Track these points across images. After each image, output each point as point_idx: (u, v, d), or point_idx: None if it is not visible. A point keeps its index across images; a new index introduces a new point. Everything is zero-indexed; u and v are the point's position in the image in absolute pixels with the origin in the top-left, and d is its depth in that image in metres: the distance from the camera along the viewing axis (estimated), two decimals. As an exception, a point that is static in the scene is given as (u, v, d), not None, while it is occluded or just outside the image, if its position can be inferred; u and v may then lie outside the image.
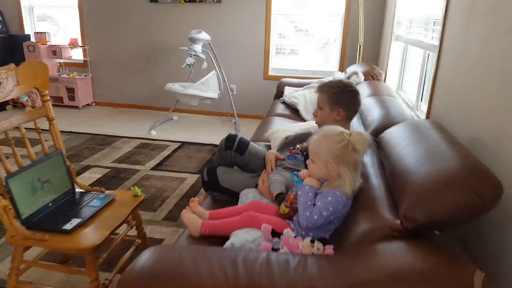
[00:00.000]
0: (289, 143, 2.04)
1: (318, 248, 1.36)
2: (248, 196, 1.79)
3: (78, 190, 1.98)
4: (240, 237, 1.45)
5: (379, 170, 1.58)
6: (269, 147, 2.55)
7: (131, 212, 1.85)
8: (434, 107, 2.20)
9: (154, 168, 3.43)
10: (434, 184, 1.15)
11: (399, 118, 1.98)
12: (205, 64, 4.37)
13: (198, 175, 3.32)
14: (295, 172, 1.57)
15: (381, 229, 1.22)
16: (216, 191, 1.93)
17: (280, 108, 3.73)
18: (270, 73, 4.91)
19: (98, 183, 3.09)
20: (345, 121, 1.85)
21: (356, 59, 4.38)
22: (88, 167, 3.40)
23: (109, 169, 3.37)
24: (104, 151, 3.79)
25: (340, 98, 1.81)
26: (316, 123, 1.94)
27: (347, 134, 1.44)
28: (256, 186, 1.91)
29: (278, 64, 4.97)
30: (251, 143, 2.06)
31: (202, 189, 2.32)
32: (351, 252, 1.26)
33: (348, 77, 3.37)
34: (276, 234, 1.44)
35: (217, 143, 4.32)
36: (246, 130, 4.60)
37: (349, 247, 1.32)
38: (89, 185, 2.00)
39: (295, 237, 1.42)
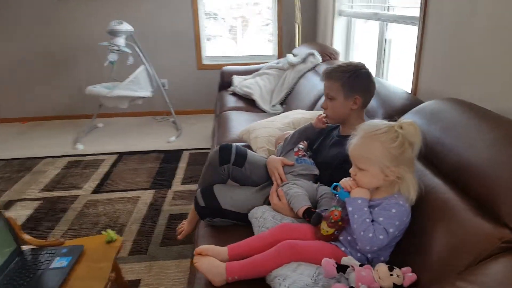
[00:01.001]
0: (290, 143, 1.71)
1: (398, 276, 1.07)
2: (264, 217, 1.43)
3: (26, 247, 1.44)
4: (291, 279, 1.10)
5: (424, 166, 1.33)
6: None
7: (113, 267, 1.38)
8: (422, 83, 2.03)
9: (96, 191, 2.85)
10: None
11: (408, 99, 1.76)
12: (130, 60, 3.78)
13: (153, 191, 2.83)
14: (336, 183, 1.26)
15: (483, 242, 0.97)
16: (218, 216, 1.53)
17: (232, 101, 3.36)
18: (205, 62, 4.46)
19: (32, 222, 2.45)
20: (361, 109, 1.58)
21: (295, 40, 4.15)
22: (10, 204, 2.69)
23: (40, 201, 2.71)
24: (25, 178, 3.07)
25: (355, 83, 1.52)
26: (326, 117, 1.63)
27: (397, 126, 1.16)
28: (265, 202, 1.56)
29: (212, 51, 4.53)
30: (248, 150, 1.69)
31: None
32: (445, 278, 1.00)
33: (304, 59, 3.12)
34: (339, 267, 1.11)
35: (161, 147, 3.93)
36: (188, 128, 4.14)
37: (433, 270, 1.05)
38: (21, 227, 1.42)
39: (360, 265, 1.12)
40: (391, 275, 1.07)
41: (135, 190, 2.86)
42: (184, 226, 1.88)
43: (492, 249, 0.95)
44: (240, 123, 2.78)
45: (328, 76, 1.56)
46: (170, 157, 3.44)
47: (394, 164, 1.14)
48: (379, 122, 1.20)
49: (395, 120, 1.21)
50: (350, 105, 1.54)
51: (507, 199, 0.98)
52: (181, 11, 4.24)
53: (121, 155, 3.50)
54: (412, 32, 2.41)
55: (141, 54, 3.81)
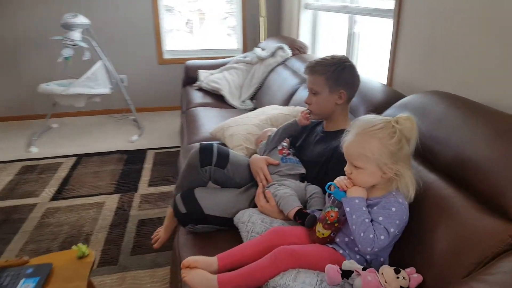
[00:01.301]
0: (274, 141, 1.63)
1: (404, 278, 1.02)
2: (253, 221, 1.33)
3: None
4: (292, 289, 1.03)
5: (418, 162, 1.29)
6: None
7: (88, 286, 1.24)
8: (397, 75, 2.02)
9: (55, 198, 2.63)
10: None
11: (389, 93, 1.73)
12: (87, 55, 3.53)
13: (118, 195, 2.66)
14: (331, 183, 1.19)
15: (492, 239, 0.94)
16: (201, 223, 1.43)
17: (198, 96, 3.22)
18: (166, 56, 4.27)
19: (-17, 236, 2.21)
20: (346, 103, 1.52)
21: (259, 33, 4.07)
22: (-44, 217, 2.42)
23: (-9, 212, 2.46)
24: (-28, 187, 2.79)
25: (340, 77, 1.46)
26: (310, 113, 1.56)
27: (393, 121, 1.11)
28: (250, 205, 1.47)
29: (173, 45, 4.35)
30: (230, 150, 1.59)
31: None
32: (452, 278, 0.96)
33: (273, 53, 3.04)
34: (344, 273, 1.05)
35: (123, 148, 3.70)
36: (150, 127, 3.95)
37: (436, 269, 1.02)
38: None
39: (363, 269, 1.06)
40: (397, 278, 1.02)
41: (98, 195, 2.67)
42: (160, 234, 1.76)
43: (502, 246, 0.92)
44: (209, 120, 2.67)
45: (312, 70, 1.49)
46: (134, 158, 3.25)
47: (392, 161, 1.09)
48: (374, 118, 1.14)
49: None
50: (335, 99, 1.48)
51: (512, 193, 0.96)
52: (140, 3, 4.03)
53: (80, 158, 3.27)
54: (382, 25, 2.42)
55: (98, 49, 3.57)
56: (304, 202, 1.40)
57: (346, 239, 1.17)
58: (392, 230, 1.07)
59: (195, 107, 3.01)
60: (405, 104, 1.49)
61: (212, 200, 1.44)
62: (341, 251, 1.16)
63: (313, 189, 1.42)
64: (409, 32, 1.90)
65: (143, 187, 2.77)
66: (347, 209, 1.12)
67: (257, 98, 2.98)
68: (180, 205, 1.43)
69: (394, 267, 1.05)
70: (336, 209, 1.16)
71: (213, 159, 1.49)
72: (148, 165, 3.12)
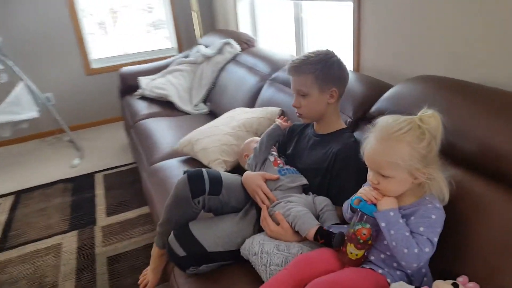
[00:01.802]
0: (262, 153, 1.47)
1: (460, 292, 0.94)
2: (267, 251, 1.17)
3: None
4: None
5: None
6: (197, 163, 1.88)
7: None
8: (364, 60, 1.96)
9: (1, 249, 2.25)
10: None
11: (376, 85, 1.63)
12: (3, 77, 3.05)
13: (75, 232, 2.34)
14: (357, 196, 1.07)
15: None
16: (204, 263, 1.23)
17: (143, 106, 2.93)
18: (94, 65, 3.86)
19: None
20: (337, 102, 1.40)
21: (193, 30, 3.82)
22: None
23: None
24: None
25: (330, 74, 1.33)
26: (300, 116, 1.41)
27: (418, 120, 1.01)
28: (255, 230, 1.31)
29: (100, 53, 3.92)
30: (221, 172, 1.39)
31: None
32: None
33: (220, 50, 2.84)
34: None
35: (65, 175, 3.25)
36: (90, 145, 3.57)
37: (485, 275, 0.94)
38: None
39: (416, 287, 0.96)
40: (456, 293, 0.93)
41: (51, 236, 2.32)
42: (147, 276, 1.53)
43: None
44: (165, 133, 2.43)
45: (297, 70, 1.34)
46: (81, 185, 2.90)
47: (424, 165, 0.99)
48: (396, 119, 1.03)
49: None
50: (326, 99, 1.35)
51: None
52: (54, 8, 3.55)
53: (19, 195, 2.84)
54: (333, 8, 2.33)
55: (16, 69, 3.09)
56: (316, 218, 1.27)
57: (382, 256, 1.06)
58: (435, 239, 0.98)
59: (143, 119, 2.73)
60: (397, 96, 1.41)
61: (213, 234, 1.26)
62: (380, 271, 1.05)
63: (323, 201, 1.30)
64: (372, 13, 1.83)
65: (102, 218, 2.47)
66: (383, 224, 1.01)
67: (212, 100, 2.78)
68: (176, 247, 1.23)
69: (450, 281, 0.95)
70: (368, 226, 1.04)
71: (205, 187, 1.30)
72: (99, 191, 2.79)
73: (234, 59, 2.78)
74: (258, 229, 1.31)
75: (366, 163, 1.07)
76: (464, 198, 1.02)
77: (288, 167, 1.41)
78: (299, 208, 1.22)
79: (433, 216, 0.99)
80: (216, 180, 1.33)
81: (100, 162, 3.24)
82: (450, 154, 1.15)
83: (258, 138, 1.57)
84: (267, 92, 2.12)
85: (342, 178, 1.30)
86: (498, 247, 0.95)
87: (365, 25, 1.89)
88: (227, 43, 2.81)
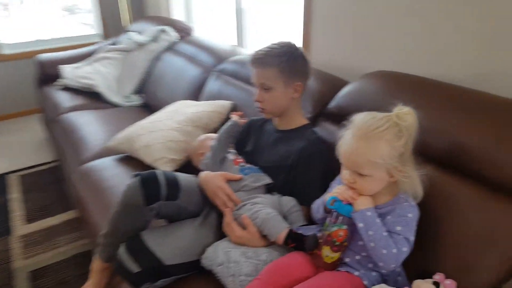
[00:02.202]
0: (219, 151, 1.35)
1: (443, 289, 0.93)
2: (234, 260, 1.06)
3: None
4: None
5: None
6: (136, 163, 1.69)
7: None
8: (315, 53, 1.92)
9: None
10: None
11: (333, 81, 1.58)
12: None
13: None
14: (332, 196, 1.01)
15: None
16: (161, 277, 1.09)
17: (67, 98, 2.61)
18: (6, 51, 3.37)
19: None
20: (300, 97, 1.32)
21: (120, 14, 3.51)
22: None
23: None
24: None
25: (295, 67, 1.25)
26: (262, 111, 1.32)
27: (395, 117, 0.97)
28: (216, 236, 1.20)
29: (10, 37, 3.43)
30: (177, 174, 1.24)
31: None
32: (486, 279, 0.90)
33: (155, 37, 2.62)
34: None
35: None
36: (3, 141, 3.13)
37: (462, 270, 0.94)
38: None
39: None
40: (438, 292, 0.91)
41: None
42: (88, 293, 1.33)
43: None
44: (95, 128, 2.18)
45: (261, 62, 1.25)
46: (-9, 188, 2.52)
47: (402, 163, 0.96)
48: (373, 116, 0.98)
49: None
50: (291, 93, 1.27)
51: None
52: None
53: None
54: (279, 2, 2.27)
55: None
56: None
57: (358, 257, 1.01)
58: (412, 238, 0.96)
59: (67, 113, 2.43)
60: (357, 92, 1.37)
61: (170, 244, 1.12)
62: (356, 273, 1.00)
63: (289, 201, 1.22)
64: (321, 8, 1.80)
65: (20, 226, 2.15)
66: (361, 225, 0.96)
67: (147, 92, 2.56)
68: (129, 263, 1.06)
69: (430, 280, 0.94)
70: (345, 227, 0.99)
71: (161, 192, 1.14)
72: (15, 195, 2.44)
73: (170, 48, 2.59)
74: (220, 235, 1.20)
75: (342, 161, 1.01)
76: (435, 196, 1.01)
77: (249, 165, 1.31)
78: (268, 210, 1.13)
79: (410, 215, 0.97)
80: (173, 183, 1.18)
81: (14, 161, 2.84)
82: (421, 151, 1.15)
83: (214, 135, 1.45)
84: (215, 85, 1.99)
85: (307, 176, 1.23)
86: (472, 243, 0.95)
87: (316, 17, 1.84)
88: (163, 31, 2.61)
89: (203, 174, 1.28)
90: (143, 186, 1.13)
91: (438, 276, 0.95)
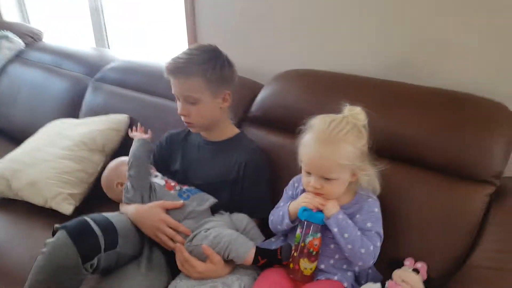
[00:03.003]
0: (141, 176, 1.15)
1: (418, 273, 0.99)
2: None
3: None
4: None
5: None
6: (20, 206, 1.32)
7: None
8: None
9: None
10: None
11: (249, 84, 1.50)
12: None
13: None
14: (303, 207, 0.96)
15: (473, 204, 1.00)
16: None
17: None
18: None
19: None
20: (229, 105, 1.22)
21: None
22: None
23: None
24: None
25: (223, 74, 1.12)
26: (190, 126, 1.17)
27: (351, 118, 0.98)
28: (169, 278, 1.03)
29: None
30: (106, 215, 1.00)
31: None
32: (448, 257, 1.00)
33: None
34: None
35: None
36: None
37: (435, 253, 1.02)
38: None
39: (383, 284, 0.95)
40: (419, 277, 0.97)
41: None
42: None
43: (484, 206, 1.01)
44: None
45: (183, 72, 1.09)
46: None
47: (362, 161, 0.98)
48: (332, 119, 0.96)
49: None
50: (219, 104, 1.16)
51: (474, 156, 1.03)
52: None
53: None
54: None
55: None
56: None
57: (332, 261, 1.00)
58: (381, 231, 0.99)
59: None
60: (277, 93, 1.35)
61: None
62: (335, 277, 0.99)
63: (242, 218, 1.12)
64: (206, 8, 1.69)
65: None
66: (335, 230, 0.95)
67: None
68: None
69: (409, 268, 0.98)
70: (319, 235, 0.96)
71: (99, 243, 0.91)
72: None
73: (17, 57, 2.11)
74: (172, 273, 1.03)
75: (306, 168, 0.97)
76: (391, 188, 1.05)
77: (186, 187, 1.15)
78: (228, 232, 1.01)
79: (376, 209, 1.00)
80: (109, 229, 0.95)
81: None
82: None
83: (126, 158, 1.24)
84: (97, 97, 1.70)
85: (257, 189, 1.16)
86: (431, 225, 1.02)
87: (200, 17, 1.73)
88: (3, 37, 2.11)
89: (133, 209, 1.08)
90: (75, 240, 0.88)
91: (408, 262, 1.01)
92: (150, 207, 1.07)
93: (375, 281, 1.02)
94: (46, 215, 1.32)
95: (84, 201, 1.38)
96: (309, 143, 0.95)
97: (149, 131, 1.31)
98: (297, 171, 1.07)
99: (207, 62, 1.10)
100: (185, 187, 1.15)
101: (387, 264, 1.03)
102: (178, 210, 1.08)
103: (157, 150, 1.28)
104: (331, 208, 0.96)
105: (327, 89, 1.28)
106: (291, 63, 1.43)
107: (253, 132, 1.34)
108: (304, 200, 0.98)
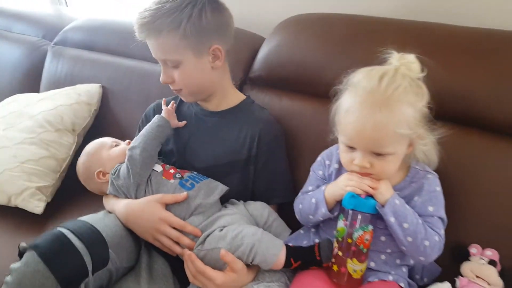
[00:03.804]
0: (146, 162, 0.89)
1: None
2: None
3: None
4: None
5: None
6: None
7: None
8: None
9: None
10: None
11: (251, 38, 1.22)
12: None
13: None
14: (351, 193, 0.73)
15: None
16: None
17: None
18: None
19: None
20: (225, 62, 0.94)
21: None
22: None
23: None
24: None
25: (204, 23, 0.84)
26: (180, 93, 0.92)
27: (406, 69, 0.73)
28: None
29: None
30: (87, 221, 0.75)
31: None
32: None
33: None
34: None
35: None
36: None
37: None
38: None
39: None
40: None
41: None
42: None
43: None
44: None
45: (151, 28, 0.83)
46: None
47: (422, 126, 0.74)
48: (380, 73, 0.72)
49: None
50: (208, 63, 0.88)
51: None
52: None
53: None
54: None
55: None
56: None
57: (383, 257, 0.79)
58: (445, 215, 0.78)
59: None
60: (282, 48, 1.10)
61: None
62: (390, 277, 0.78)
63: (259, 208, 0.89)
64: None
65: None
66: (391, 219, 0.73)
67: None
68: None
69: (483, 261, 0.79)
70: (371, 227, 0.74)
71: (85, 263, 0.67)
72: None
73: None
74: (180, 283, 0.81)
75: (349, 142, 0.74)
76: (451, 158, 0.83)
77: (188, 173, 0.90)
78: (250, 230, 0.78)
79: (437, 188, 0.78)
80: (95, 241, 0.71)
81: None
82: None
83: (111, 140, 0.97)
84: (60, 64, 1.39)
85: (273, 167, 0.94)
86: (504, 201, 0.82)
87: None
88: None
89: (123, 207, 0.84)
90: (51, 264, 0.64)
91: (475, 249, 0.82)
92: (147, 202, 0.83)
93: (432, 274, 0.84)
94: (11, 215, 1.05)
95: (57, 194, 1.12)
96: (354, 108, 0.71)
97: (183, 121, 0.99)
98: (320, 143, 0.88)
99: (180, 11, 0.82)
100: (186, 174, 0.90)
101: (447, 253, 0.83)
102: (181, 205, 0.83)
103: (142, 127, 1.02)
104: (385, 192, 0.74)
105: (347, 36, 1.04)
106: (292, 9, 1.17)
107: (258, 97, 1.09)
108: (347, 183, 0.75)
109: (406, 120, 0.70)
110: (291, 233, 0.89)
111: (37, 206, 1.04)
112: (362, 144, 0.72)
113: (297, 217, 0.87)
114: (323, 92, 1.02)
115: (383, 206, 0.73)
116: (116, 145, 0.95)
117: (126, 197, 0.87)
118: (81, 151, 0.98)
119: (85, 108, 1.22)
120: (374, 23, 1.04)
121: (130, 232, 0.83)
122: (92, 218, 0.78)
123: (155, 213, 0.81)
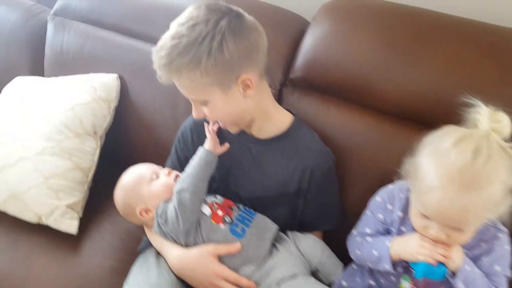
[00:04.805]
0: (196, 205, 0.82)
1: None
2: None
3: None
4: None
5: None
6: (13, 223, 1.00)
7: None
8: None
9: None
10: None
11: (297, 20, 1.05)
12: None
13: None
14: (421, 263, 0.69)
15: None
16: None
17: None
18: None
19: None
20: (260, 85, 0.80)
21: None
22: None
23: None
24: None
25: (227, 56, 0.71)
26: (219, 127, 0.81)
27: (496, 135, 0.64)
28: None
29: None
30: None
31: None
32: None
33: None
34: None
35: None
36: None
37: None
38: None
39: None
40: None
41: None
42: None
43: None
44: None
45: (170, 69, 0.72)
46: None
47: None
48: (470, 144, 0.62)
49: None
50: (240, 94, 0.77)
51: None
52: None
53: None
54: None
55: None
56: (312, 272, 0.85)
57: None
58: (510, 272, 0.76)
59: None
60: (332, 39, 0.94)
61: None
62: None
63: (313, 246, 0.86)
64: None
65: None
66: (461, 286, 0.70)
67: None
68: None
69: None
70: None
71: None
72: None
73: None
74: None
75: (427, 214, 0.67)
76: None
77: (235, 212, 0.84)
78: (311, 286, 0.76)
79: (507, 247, 0.74)
80: None
81: None
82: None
83: (149, 171, 0.88)
84: (65, 42, 1.19)
85: (324, 199, 0.88)
86: None
87: None
88: None
89: (175, 258, 0.80)
90: None
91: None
92: (200, 256, 0.79)
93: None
94: (45, 232, 1.01)
95: (87, 207, 1.06)
96: (439, 185, 0.63)
97: (226, 144, 0.88)
98: (374, 168, 0.87)
99: (197, 46, 0.69)
100: (234, 214, 0.83)
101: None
102: (234, 255, 0.79)
103: (178, 148, 0.93)
104: (457, 260, 0.70)
105: (417, 38, 0.89)
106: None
107: (300, 105, 0.97)
108: (420, 251, 0.70)
109: (495, 201, 0.63)
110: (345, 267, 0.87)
111: (70, 225, 0.98)
112: (443, 221, 0.66)
113: (352, 257, 0.84)
114: (378, 105, 0.93)
115: (455, 275, 0.70)
116: (156, 176, 0.87)
117: (175, 241, 0.82)
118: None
119: (103, 106, 1.09)
120: (454, 24, 0.90)
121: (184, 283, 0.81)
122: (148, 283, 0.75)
123: (210, 267, 0.78)
